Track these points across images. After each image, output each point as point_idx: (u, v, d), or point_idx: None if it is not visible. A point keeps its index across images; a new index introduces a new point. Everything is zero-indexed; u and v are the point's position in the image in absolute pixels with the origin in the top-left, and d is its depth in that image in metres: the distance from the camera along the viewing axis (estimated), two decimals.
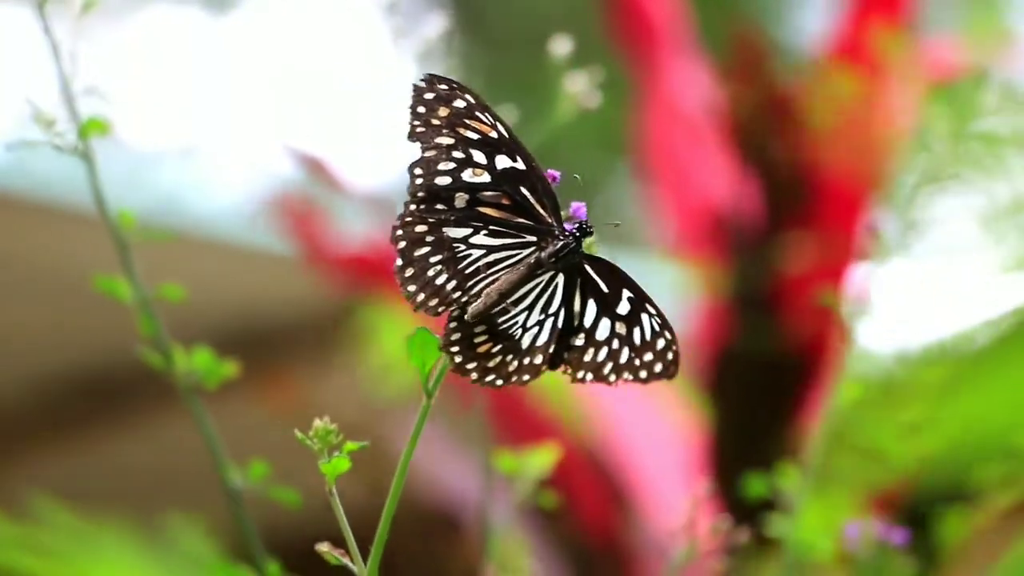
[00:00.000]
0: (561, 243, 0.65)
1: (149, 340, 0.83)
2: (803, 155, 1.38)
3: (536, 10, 4.25)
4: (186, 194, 2.16)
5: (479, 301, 0.64)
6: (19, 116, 0.81)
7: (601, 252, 0.67)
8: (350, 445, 0.64)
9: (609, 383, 0.65)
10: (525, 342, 0.65)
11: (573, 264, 0.65)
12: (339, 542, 0.65)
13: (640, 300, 0.65)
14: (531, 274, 0.65)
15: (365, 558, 0.65)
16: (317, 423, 0.65)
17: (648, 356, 0.65)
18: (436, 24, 0.86)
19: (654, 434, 1.54)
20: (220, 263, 2.13)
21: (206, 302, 2.12)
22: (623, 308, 0.65)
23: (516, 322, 0.65)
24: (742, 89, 1.45)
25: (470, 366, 0.64)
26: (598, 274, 0.66)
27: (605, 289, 0.66)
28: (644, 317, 0.65)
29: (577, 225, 0.66)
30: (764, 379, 1.44)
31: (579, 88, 0.88)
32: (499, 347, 0.65)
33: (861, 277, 0.92)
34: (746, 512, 0.94)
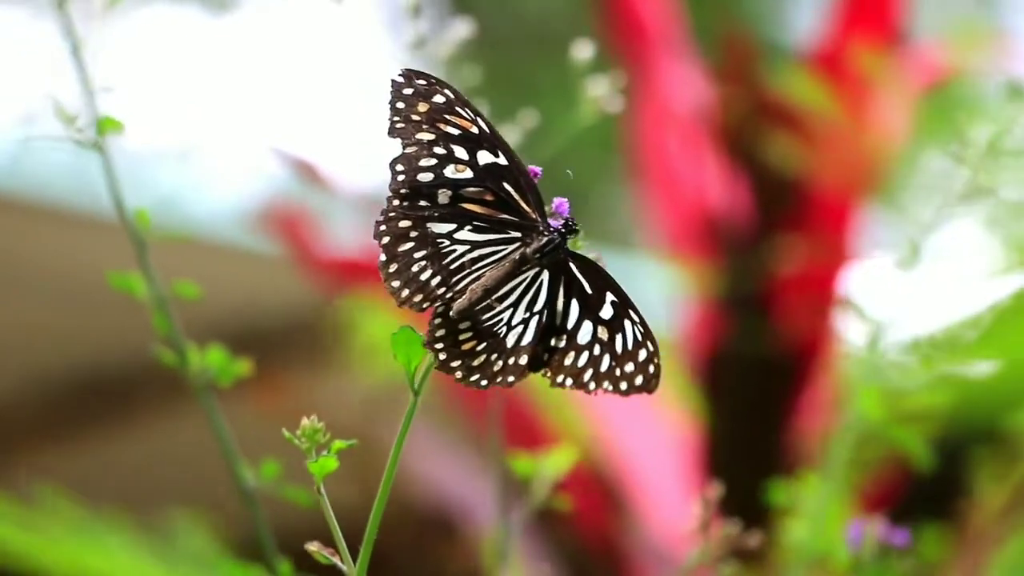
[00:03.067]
0: (546, 239, 0.65)
1: (164, 338, 0.84)
2: (794, 157, 1.38)
3: (528, 12, 4.25)
4: (184, 195, 2.16)
5: (464, 297, 0.64)
6: (19, 114, 0.82)
7: (589, 250, 0.66)
8: (338, 444, 0.64)
9: (588, 391, 0.65)
10: (510, 341, 0.65)
11: (558, 261, 0.65)
12: (331, 541, 0.65)
13: (624, 305, 0.65)
14: (516, 270, 0.65)
15: (357, 558, 0.65)
16: (305, 422, 0.64)
17: (629, 367, 0.65)
18: (456, 30, 0.87)
19: (649, 436, 1.54)
20: (216, 264, 2.13)
21: (202, 303, 2.12)
22: (606, 312, 0.65)
23: (501, 319, 0.65)
24: (734, 91, 1.45)
25: (454, 364, 0.64)
26: (583, 273, 0.65)
27: (589, 290, 0.65)
28: (627, 324, 0.65)
29: (563, 222, 0.65)
30: (757, 380, 1.45)
31: (601, 92, 0.87)
32: (484, 345, 0.64)
33: (855, 279, 0.92)
34: (738, 512, 0.95)
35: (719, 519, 0.83)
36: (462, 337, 0.64)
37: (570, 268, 0.65)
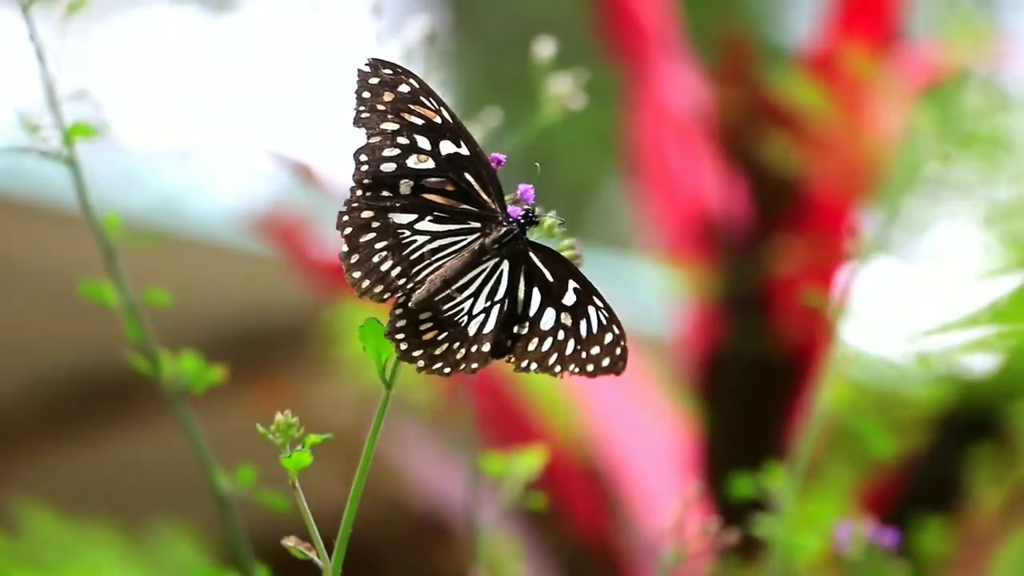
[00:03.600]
0: (504, 229, 0.65)
1: (136, 344, 0.83)
2: (792, 158, 1.38)
3: (527, 12, 4.26)
4: (183, 196, 2.16)
5: (423, 288, 0.65)
6: (8, 120, 0.81)
7: (557, 241, 0.67)
8: (312, 438, 0.65)
9: (554, 374, 0.66)
10: (471, 329, 0.65)
11: (517, 251, 0.66)
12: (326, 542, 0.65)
13: (587, 291, 0.66)
14: (475, 260, 0.65)
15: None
16: (279, 417, 0.65)
17: (595, 350, 0.65)
18: (420, 26, 0.87)
19: (645, 436, 1.54)
20: (216, 266, 2.13)
21: (201, 304, 2.13)
22: (569, 299, 0.66)
23: (462, 309, 0.65)
24: (731, 92, 1.45)
25: (416, 354, 0.65)
26: (543, 262, 0.66)
27: (550, 278, 0.66)
28: (591, 309, 0.66)
29: (523, 212, 0.66)
30: (754, 381, 1.45)
31: (564, 89, 0.88)
32: (445, 334, 0.65)
33: (848, 279, 0.92)
34: (737, 513, 0.95)
35: (712, 518, 0.83)
36: (423, 327, 0.65)
37: (530, 257, 0.66)
